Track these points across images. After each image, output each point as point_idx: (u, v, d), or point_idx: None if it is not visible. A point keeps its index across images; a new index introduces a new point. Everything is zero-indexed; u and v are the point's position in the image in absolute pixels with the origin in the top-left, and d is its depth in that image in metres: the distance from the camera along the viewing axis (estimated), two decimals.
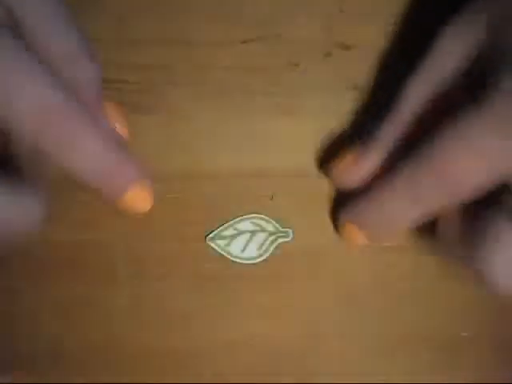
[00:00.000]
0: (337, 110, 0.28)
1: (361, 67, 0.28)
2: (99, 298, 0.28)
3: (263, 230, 0.28)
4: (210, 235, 0.28)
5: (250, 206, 0.28)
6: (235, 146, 0.28)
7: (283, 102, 0.28)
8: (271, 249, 0.28)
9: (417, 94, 0.24)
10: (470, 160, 0.21)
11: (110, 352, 0.28)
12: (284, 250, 0.28)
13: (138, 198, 0.24)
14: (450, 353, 0.28)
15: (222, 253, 0.28)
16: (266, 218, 0.28)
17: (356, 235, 0.26)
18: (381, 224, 0.25)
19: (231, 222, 0.28)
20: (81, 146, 0.22)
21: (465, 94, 0.22)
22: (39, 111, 0.21)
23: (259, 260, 0.28)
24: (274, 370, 0.28)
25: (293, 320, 0.28)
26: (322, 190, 0.28)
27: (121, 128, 0.25)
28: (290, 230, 0.28)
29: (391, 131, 0.24)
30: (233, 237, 0.28)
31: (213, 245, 0.28)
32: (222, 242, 0.28)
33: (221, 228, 0.28)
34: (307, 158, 0.28)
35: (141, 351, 0.28)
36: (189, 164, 0.28)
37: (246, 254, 0.28)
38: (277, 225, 0.28)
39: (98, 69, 0.23)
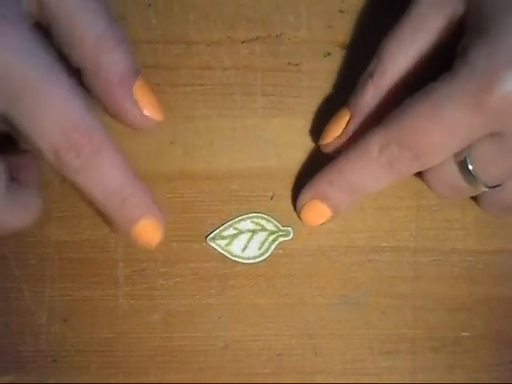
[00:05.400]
0: (337, 110, 0.28)
1: (361, 67, 0.28)
2: (99, 298, 0.28)
3: (264, 229, 0.28)
4: (210, 235, 0.28)
5: (249, 206, 0.28)
6: (235, 145, 0.28)
7: (283, 101, 0.28)
8: (272, 248, 0.28)
9: (400, 57, 0.24)
10: (437, 132, 0.21)
11: (110, 352, 0.28)
12: (284, 249, 0.28)
13: (149, 230, 0.24)
14: (449, 353, 0.28)
15: (223, 252, 0.28)
16: (267, 216, 0.28)
17: (320, 210, 0.25)
18: (349, 191, 0.25)
19: (231, 221, 0.28)
20: (101, 171, 0.22)
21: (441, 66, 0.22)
22: (65, 131, 0.21)
23: (260, 259, 0.28)
24: (274, 370, 0.28)
25: (292, 320, 0.28)
26: None
27: (152, 112, 0.25)
28: (290, 229, 0.28)
29: (374, 95, 0.25)
30: (233, 236, 0.28)
31: (213, 245, 0.28)
32: (222, 242, 0.28)
33: (221, 228, 0.28)
34: (307, 158, 0.28)
35: (141, 351, 0.28)
36: (189, 164, 0.28)
37: (246, 254, 0.28)
38: (277, 224, 0.28)
39: (124, 52, 0.24)
